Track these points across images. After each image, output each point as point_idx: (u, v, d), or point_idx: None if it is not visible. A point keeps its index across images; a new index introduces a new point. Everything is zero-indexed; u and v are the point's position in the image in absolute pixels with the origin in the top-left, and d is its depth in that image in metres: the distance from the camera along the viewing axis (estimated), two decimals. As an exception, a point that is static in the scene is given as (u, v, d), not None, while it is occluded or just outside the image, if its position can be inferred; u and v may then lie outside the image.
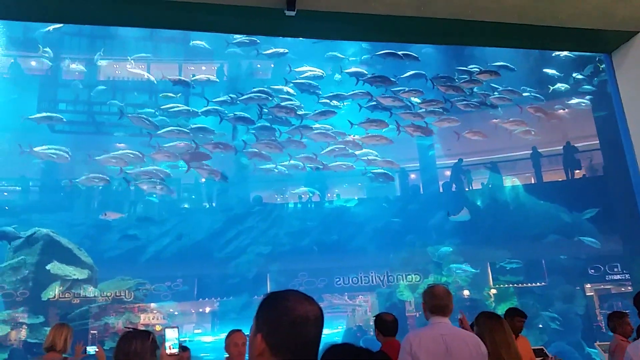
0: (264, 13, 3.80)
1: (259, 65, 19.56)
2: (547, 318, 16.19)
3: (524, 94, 17.53)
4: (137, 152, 15.74)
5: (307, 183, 20.35)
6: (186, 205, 22.45)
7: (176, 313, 17.48)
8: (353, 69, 16.45)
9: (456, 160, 20.77)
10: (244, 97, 15.97)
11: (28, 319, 12.80)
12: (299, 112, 16.05)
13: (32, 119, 16.22)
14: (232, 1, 3.56)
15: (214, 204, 21.52)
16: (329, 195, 21.98)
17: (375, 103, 16.02)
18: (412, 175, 20.79)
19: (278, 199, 21.67)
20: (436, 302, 3.58)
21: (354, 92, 16.05)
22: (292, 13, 3.77)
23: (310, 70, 16.85)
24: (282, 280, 18.94)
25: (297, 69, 16.93)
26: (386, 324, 4.74)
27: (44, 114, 16.51)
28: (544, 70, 19.19)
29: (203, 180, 19.26)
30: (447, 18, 4.05)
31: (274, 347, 1.55)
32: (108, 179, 16.30)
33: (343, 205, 21.25)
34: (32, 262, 13.13)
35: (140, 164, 16.08)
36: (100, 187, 21.87)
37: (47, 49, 19.21)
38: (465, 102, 16.37)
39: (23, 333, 12.81)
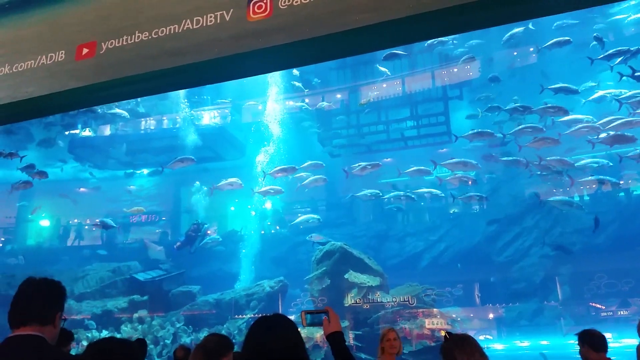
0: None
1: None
2: None
3: None
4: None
5: (594, 171, 17.63)
6: (455, 210, 22.28)
7: (458, 319, 17.24)
8: None
9: None
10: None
11: (337, 324, 14.34)
12: None
13: (302, 186, 18.72)
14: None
15: (484, 206, 20.72)
16: (622, 182, 18.57)
17: None
18: None
19: (558, 194, 19.48)
20: None
21: None
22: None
23: None
24: (575, 284, 16.93)
25: None
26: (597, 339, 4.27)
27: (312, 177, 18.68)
28: None
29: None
30: None
31: None
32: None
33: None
34: (332, 272, 14.96)
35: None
36: (373, 201, 23.87)
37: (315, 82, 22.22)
38: None
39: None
